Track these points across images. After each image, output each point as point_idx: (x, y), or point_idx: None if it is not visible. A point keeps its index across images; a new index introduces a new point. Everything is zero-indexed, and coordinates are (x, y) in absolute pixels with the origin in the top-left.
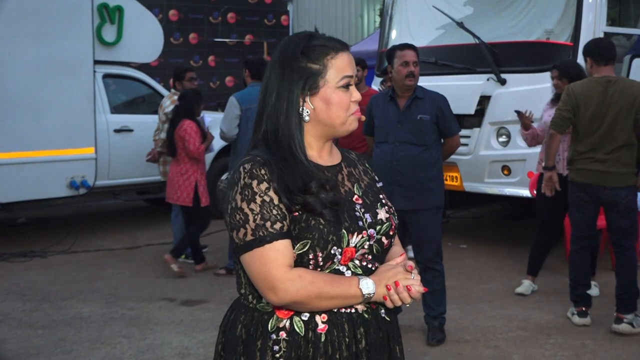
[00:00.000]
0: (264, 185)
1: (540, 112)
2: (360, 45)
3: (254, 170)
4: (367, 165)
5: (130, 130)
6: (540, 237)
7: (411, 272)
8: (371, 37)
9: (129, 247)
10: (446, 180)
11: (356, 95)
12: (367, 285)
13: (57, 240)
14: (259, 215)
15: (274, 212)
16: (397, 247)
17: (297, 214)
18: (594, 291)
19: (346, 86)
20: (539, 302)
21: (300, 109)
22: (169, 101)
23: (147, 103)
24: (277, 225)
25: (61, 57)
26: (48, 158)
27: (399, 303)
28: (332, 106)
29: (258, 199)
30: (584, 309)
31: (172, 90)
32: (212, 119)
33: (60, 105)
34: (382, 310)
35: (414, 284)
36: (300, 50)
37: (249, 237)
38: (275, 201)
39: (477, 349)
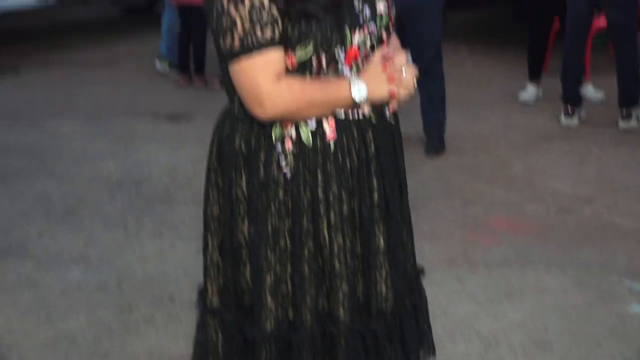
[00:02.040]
0: None
1: None
2: None
3: None
4: None
5: None
6: (532, 32)
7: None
8: None
9: (106, 61)
10: None
11: None
12: (359, 90)
13: (29, 56)
14: (247, 21)
15: (265, 16)
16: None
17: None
18: (592, 94)
19: None
20: (543, 108)
21: None
22: None
23: None
24: (268, 32)
25: None
26: None
27: (404, 96)
28: None
29: (247, 2)
30: (569, 108)
31: None
32: None
33: None
34: (387, 112)
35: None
36: None
37: (237, 45)
38: (266, 4)
39: (476, 158)
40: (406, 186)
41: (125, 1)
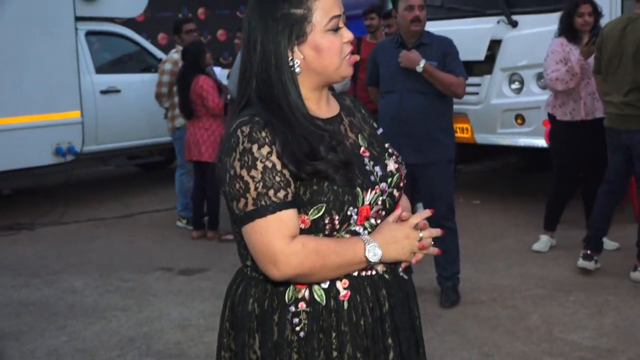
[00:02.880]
0: (265, 150)
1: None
2: None
3: (254, 133)
4: (363, 111)
5: (118, 91)
6: (556, 188)
7: (418, 229)
8: None
9: (122, 215)
10: (456, 132)
11: (347, 35)
12: (374, 253)
13: (45, 212)
14: (261, 183)
15: (277, 178)
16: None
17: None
18: (608, 245)
19: (335, 28)
20: (558, 258)
21: (290, 61)
22: (170, 64)
23: (134, 61)
24: (281, 194)
25: (40, 15)
26: (31, 124)
27: (420, 257)
28: (323, 52)
29: (259, 165)
30: (588, 252)
31: (176, 48)
32: (221, 69)
33: (41, 66)
34: (400, 269)
35: (426, 243)
36: None
37: (250, 207)
38: (278, 167)
39: (493, 310)
40: (423, 342)
41: (143, 158)
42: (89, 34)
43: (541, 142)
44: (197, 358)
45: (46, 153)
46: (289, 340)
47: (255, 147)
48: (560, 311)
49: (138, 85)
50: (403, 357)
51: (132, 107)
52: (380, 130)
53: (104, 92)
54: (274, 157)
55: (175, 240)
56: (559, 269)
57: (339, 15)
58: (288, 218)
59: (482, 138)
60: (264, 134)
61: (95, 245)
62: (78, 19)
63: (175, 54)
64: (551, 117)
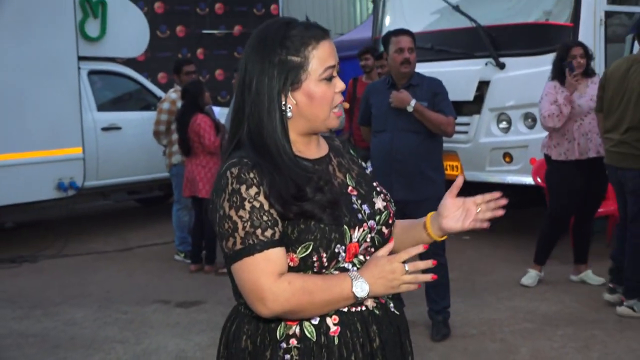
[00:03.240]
0: (253, 190)
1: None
2: (353, 32)
3: (242, 175)
4: (352, 152)
5: (119, 128)
6: (550, 225)
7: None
8: (364, 25)
9: (121, 249)
10: (447, 169)
11: (340, 85)
12: (361, 289)
13: (46, 245)
14: (249, 223)
15: (265, 218)
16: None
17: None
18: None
19: (329, 78)
20: (546, 292)
21: (283, 105)
22: (168, 103)
23: (134, 99)
24: (268, 233)
25: (44, 55)
26: (34, 159)
27: (406, 289)
28: (315, 101)
29: (247, 205)
30: (610, 285)
31: (174, 87)
32: (220, 109)
33: (45, 104)
34: (391, 304)
35: (417, 277)
36: (279, 41)
37: (238, 246)
38: (266, 207)
39: (483, 343)
40: None
41: (142, 193)
42: (92, 73)
43: (528, 180)
44: None
45: (48, 188)
46: None
47: (243, 188)
48: (548, 345)
49: (138, 123)
50: None
51: (132, 144)
52: (369, 170)
53: (105, 129)
54: (261, 198)
55: (173, 273)
56: (547, 303)
57: (333, 66)
58: (275, 256)
59: (471, 175)
60: (252, 175)
61: (95, 278)
62: (81, 58)
63: (173, 94)
64: (547, 158)
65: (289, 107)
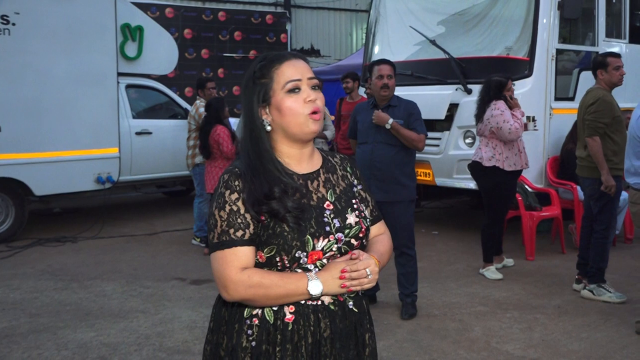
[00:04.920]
0: (234, 196)
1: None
2: (350, 59)
3: (229, 182)
4: (348, 169)
5: (150, 133)
6: (492, 228)
7: (356, 260)
8: (359, 52)
9: (148, 233)
10: (420, 175)
11: (309, 94)
12: (316, 286)
13: (86, 228)
14: (225, 222)
15: (239, 220)
16: (381, 236)
17: (265, 221)
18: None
19: (294, 90)
20: (498, 281)
21: (261, 120)
22: (194, 110)
23: (164, 109)
24: (239, 233)
25: (89, 70)
26: (78, 157)
27: (359, 289)
28: (284, 111)
29: (227, 207)
30: (577, 277)
31: (198, 101)
32: (235, 120)
33: (88, 111)
34: (350, 303)
35: (361, 273)
36: (253, 70)
37: (215, 240)
38: (242, 211)
39: (444, 322)
40: None
41: (167, 187)
42: (129, 86)
43: None
44: (200, 354)
45: (89, 181)
46: (244, 346)
47: (227, 193)
48: (498, 325)
49: (166, 129)
50: None
51: (160, 147)
52: (359, 187)
53: (138, 133)
54: (239, 203)
55: (190, 255)
56: (498, 290)
57: (298, 80)
58: (242, 253)
59: (441, 181)
60: (237, 183)
61: (125, 257)
62: (120, 74)
63: (199, 102)
64: (495, 169)
65: (267, 122)
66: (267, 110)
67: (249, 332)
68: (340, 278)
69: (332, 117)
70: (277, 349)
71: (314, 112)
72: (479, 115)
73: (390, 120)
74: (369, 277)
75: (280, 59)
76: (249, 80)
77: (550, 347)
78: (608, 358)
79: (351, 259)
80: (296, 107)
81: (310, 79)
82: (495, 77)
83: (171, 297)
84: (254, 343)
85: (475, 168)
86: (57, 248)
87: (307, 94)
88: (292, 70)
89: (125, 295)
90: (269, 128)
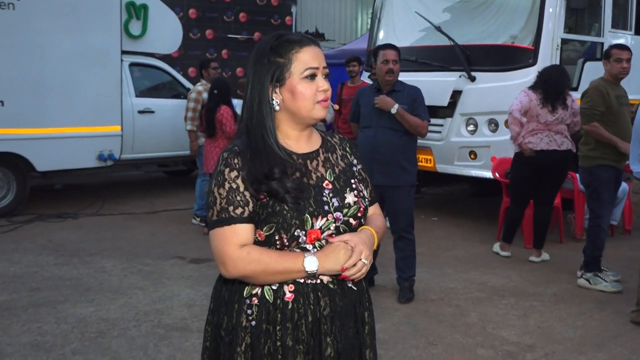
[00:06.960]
0: (233, 174)
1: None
2: (354, 43)
3: (229, 159)
4: (347, 149)
5: (152, 112)
6: (517, 212)
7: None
8: (364, 37)
9: (148, 212)
10: (421, 162)
11: (323, 84)
12: (311, 263)
13: (87, 204)
14: (225, 200)
15: (238, 198)
16: (376, 215)
17: (265, 199)
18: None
19: (311, 77)
20: (496, 268)
21: (270, 99)
22: (195, 93)
23: (167, 89)
24: (239, 211)
25: (93, 48)
26: (80, 134)
27: (358, 277)
28: (297, 96)
29: (226, 185)
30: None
31: (201, 81)
32: (237, 101)
33: (91, 89)
34: (350, 283)
35: (357, 263)
36: (269, 47)
37: (215, 217)
38: (241, 189)
39: (440, 307)
40: (373, 345)
41: (168, 166)
42: (132, 64)
43: (488, 174)
44: (198, 332)
45: (91, 158)
46: (244, 326)
47: (227, 170)
48: (494, 311)
49: (169, 108)
50: (340, 355)
51: (162, 125)
52: (358, 167)
53: (140, 112)
54: (239, 181)
55: (189, 234)
56: (495, 277)
57: (315, 67)
58: (241, 230)
59: (442, 168)
60: (236, 161)
61: (125, 234)
62: (124, 52)
63: (200, 86)
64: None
65: (277, 102)
66: (278, 90)
67: (249, 311)
68: (341, 277)
69: (336, 107)
70: (278, 327)
71: (324, 100)
72: (555, 103)
73: (396, 106)
74: (364, 263)
75: (300, 42)
76: (262, 57)
77: (545, 334)
78: (602, 346)
79: (346, 243)
80: (309, 93)
81: (324, 67)
82: (556, 65)
83: (170, 275)
84: (254, 322)
85: (568, 156)
86: (58, 224)
87: (321, 83)
88: (311, 57)
89: (125, 272)
90: (277, 108)
